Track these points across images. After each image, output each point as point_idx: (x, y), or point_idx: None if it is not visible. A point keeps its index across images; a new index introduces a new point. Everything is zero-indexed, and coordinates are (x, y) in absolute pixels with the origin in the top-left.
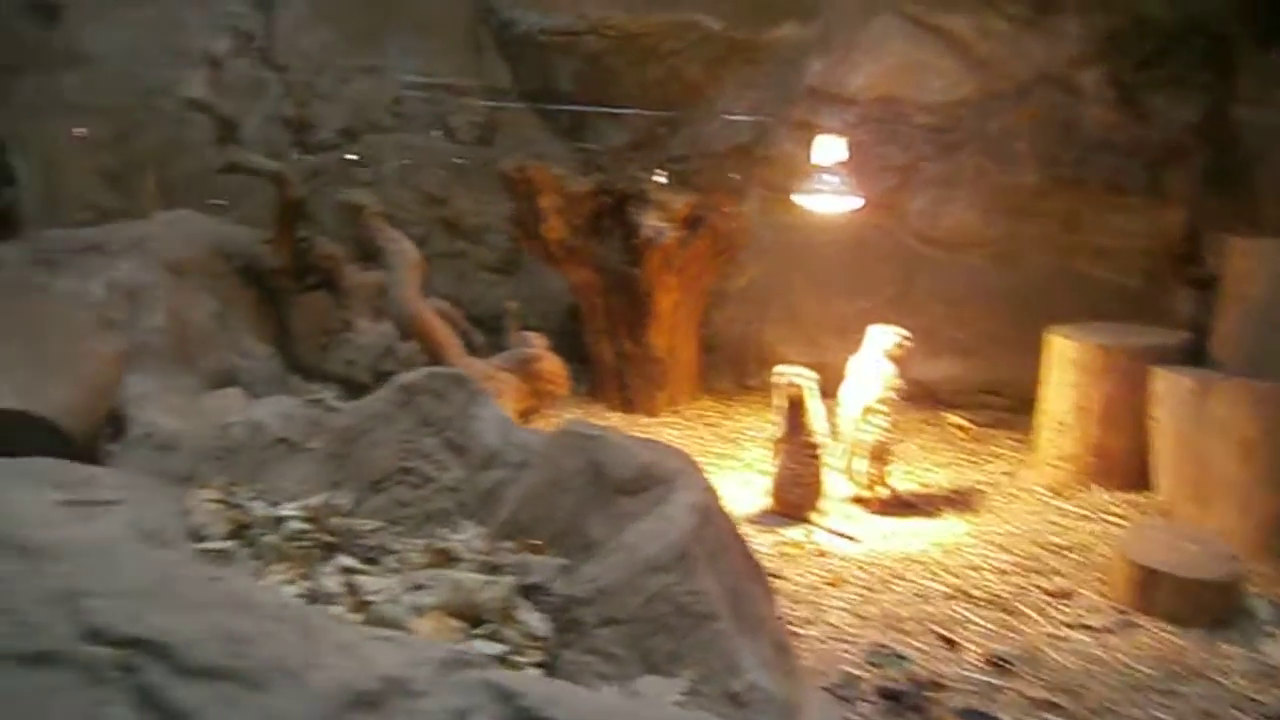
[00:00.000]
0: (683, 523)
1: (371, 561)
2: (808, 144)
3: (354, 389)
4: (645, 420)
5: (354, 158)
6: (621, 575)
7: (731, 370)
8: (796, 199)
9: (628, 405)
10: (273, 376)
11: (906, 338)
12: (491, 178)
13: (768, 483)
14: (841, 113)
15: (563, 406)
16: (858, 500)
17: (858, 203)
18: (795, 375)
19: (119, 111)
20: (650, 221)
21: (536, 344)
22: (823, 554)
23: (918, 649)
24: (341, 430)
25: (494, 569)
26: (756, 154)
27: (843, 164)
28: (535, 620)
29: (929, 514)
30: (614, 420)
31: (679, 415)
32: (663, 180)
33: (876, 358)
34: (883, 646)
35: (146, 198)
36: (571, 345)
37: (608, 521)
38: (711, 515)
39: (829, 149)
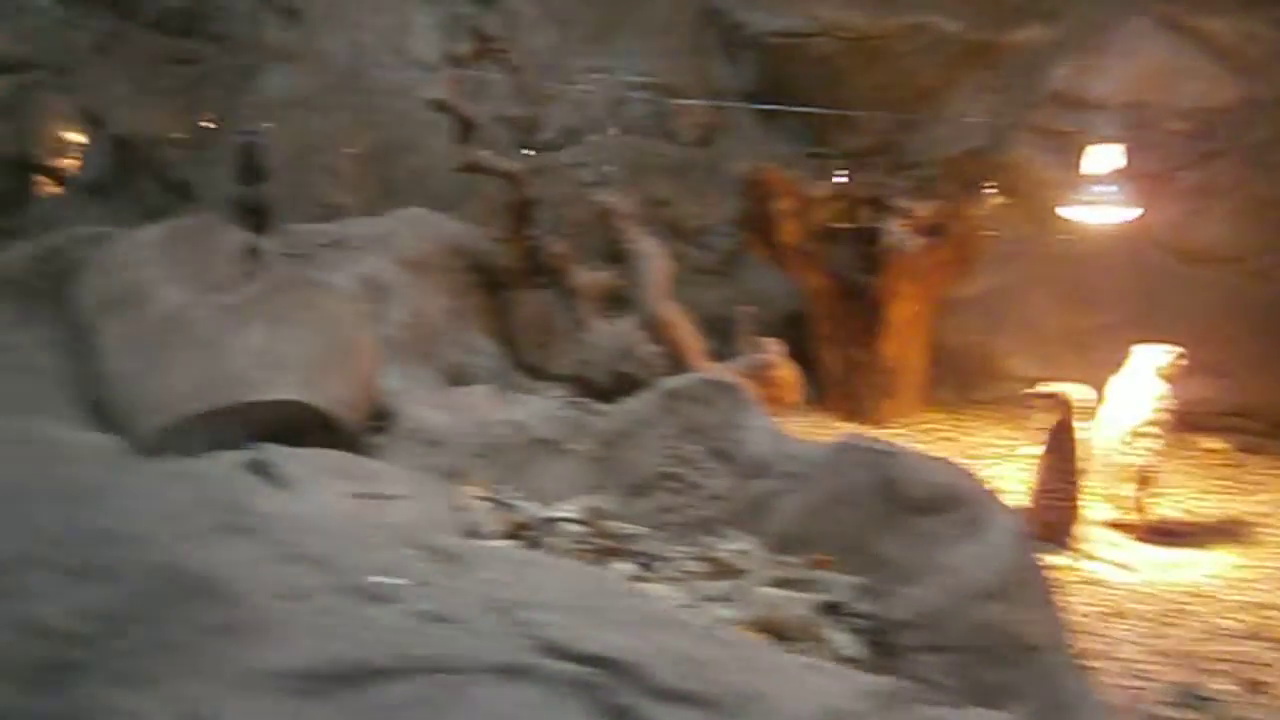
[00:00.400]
0: (1009, 549)
1: (646, 568)
2: (1051, 150)
3: (588, 390)
4: (874, 431)
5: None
6: (946, 600)
7: (956, 382)
8: (1064, 212)
9: (854, 414)
10: (499, 373)
11: (1181, 356)
12: (712, 180)
13: (1021, 502)
14: (1088, 118)
15: (788, 414)
16: (1119, 526)
17: (1134, 213)
18: (1065, 391)
19: (349, 111)
20: (894, 228)
21: (772, 350)
22: (1094, 582)
23: (1221, 691)
24: (604, 433)
25: (785, 583)
26: (992, 159)
27: (1118, 173)
28: (845, 641)
29: (1198, 544)
30: (842, 430)
31: (908, 427)
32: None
33: (1147, 377)
34: (1183, 687)
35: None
36: (791, 351)
37: (904, 541)
38: (1028, 542)
39: (1103, 157)
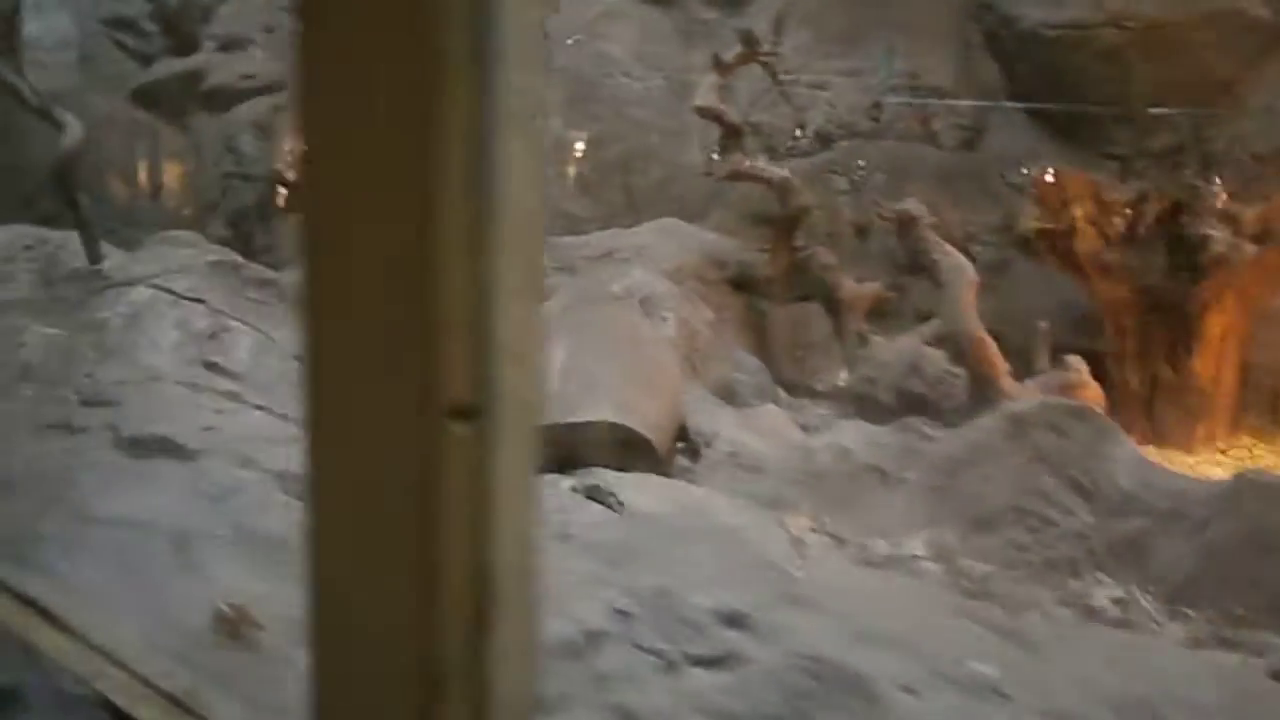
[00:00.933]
0: None
1: (1009, 614)
2: None
3: (869, 408)
4: (1186, 459)
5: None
6: None
7: (1270, 404)
8: None
9: (1157, 438)
10: (763, 389)
11: None
12: (978, 186)
13: None
14: None
15: None
16: None
17: None
18: None
19: (592, 121)
20: (1220, 234)
21: (1078, 369)
22: None
23: None
24: (941, 461)
25: (1199, 643)
26: None
27: None
28: None
29: None
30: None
31: (1224, 454)
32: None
33: None
34: None
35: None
36: None
37: None
38: None
39: None
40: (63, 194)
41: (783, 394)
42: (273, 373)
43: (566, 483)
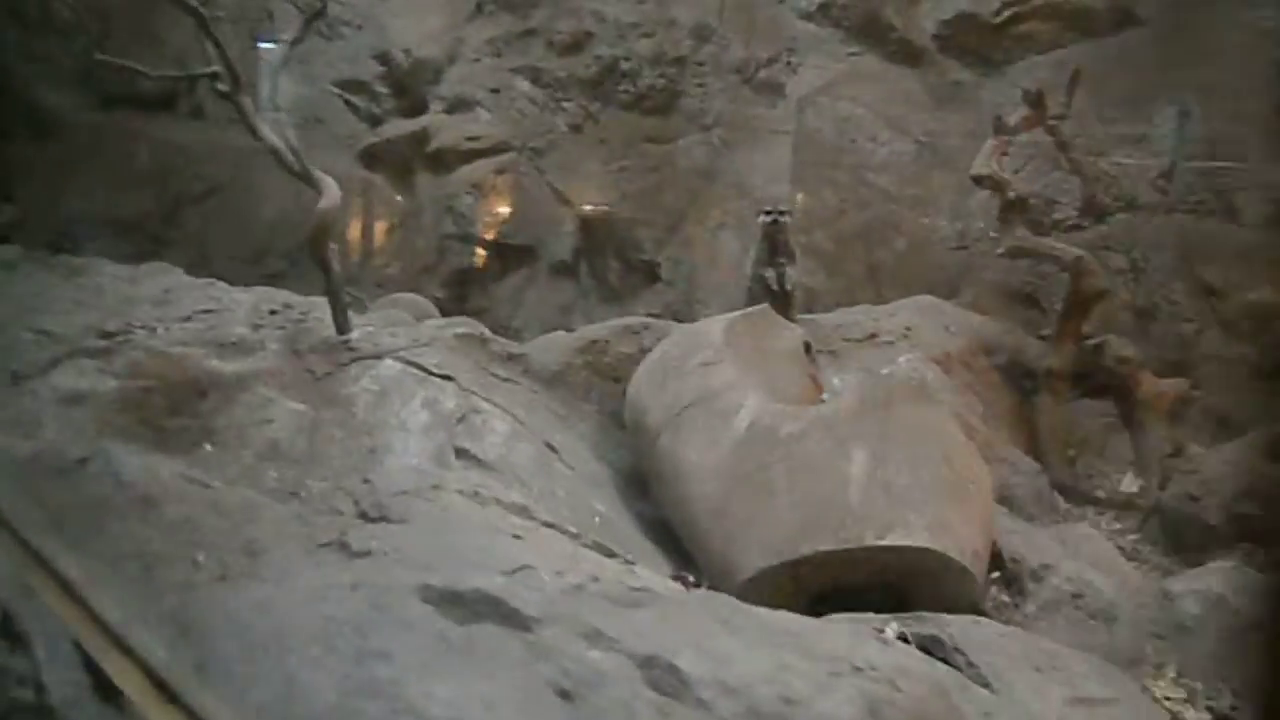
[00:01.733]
0: None
1: None
2: None
3: (1190, 532)
4: None
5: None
6: None
7: None
8: None
9: None
10: (1041, 495)
11: None
12: None
13: None
14: None
15: None
16: None
17: None
18: None
19: (834, 188)
20: None
21: None
22: None
23: None
24: None
25: None
26: None
27: None
28: None
29: None
30: None
31: None
32: None
33: None
34: None
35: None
36: None
37: None
38: None
39: None
40: (316, 258)
41: (1061, 502)
42: (528, 463)
43: (891, 628)
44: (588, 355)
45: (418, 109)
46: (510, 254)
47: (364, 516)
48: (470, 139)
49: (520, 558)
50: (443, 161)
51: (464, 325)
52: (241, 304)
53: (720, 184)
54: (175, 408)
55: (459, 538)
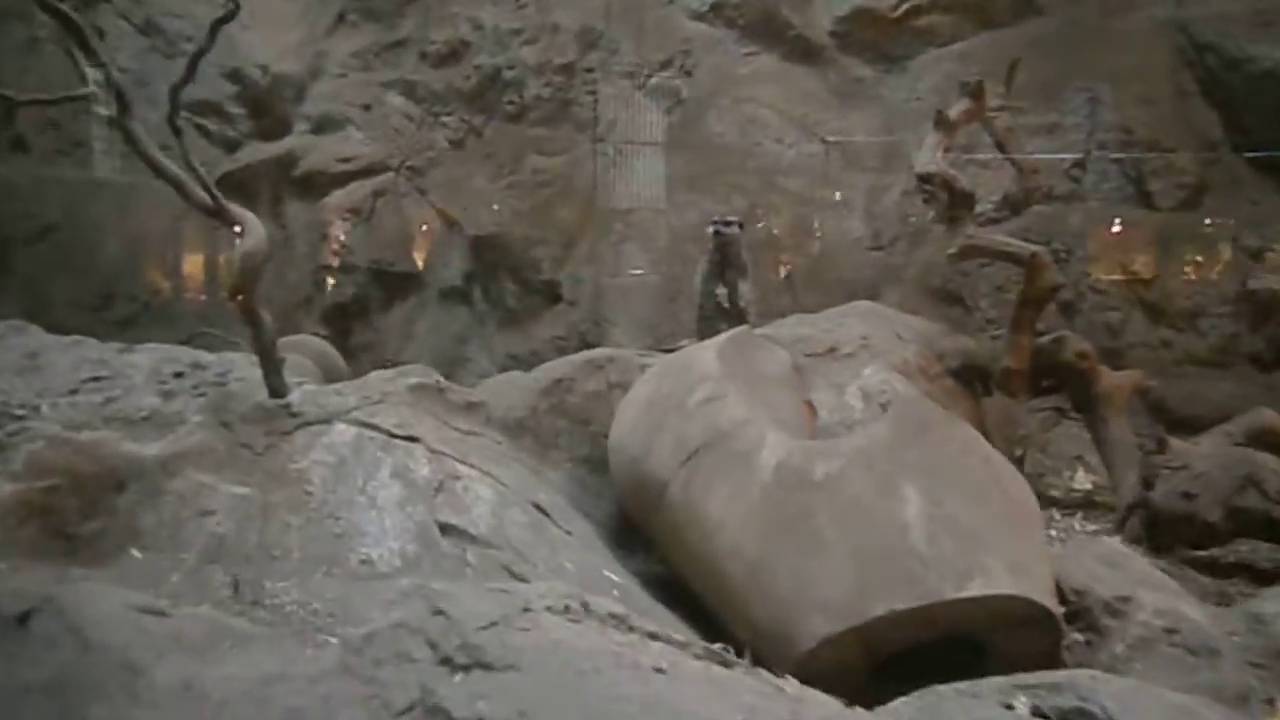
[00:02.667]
0: None
1: None
2: None
3: (1188, 532)
4: None
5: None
6: None
7: None
8: None
9: None
10: None
11: None
12: (1203, 251)
13: None
14: None
15: None
16: None
17: None
18: None
19: (742, 194)
20: None
21: None
22: None
23: None
24: None
25: None
26: None
27: None
28: None
29: None
30: None
31: None
32: None
33: None
34: None
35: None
36: None
37: None
38: None
39: None
40: (242, 309)
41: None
42: (524, 533)
43: (1020, 701)
44: (552, 397)
45: (280, 130)
46: (395, 282)
47: (447, 662)
48: (342, 160)
49: (706, 713)
50: (313, 185)
51: (416, 374)
52: (137, 367)
53: (619, 195)
54: (88, 508)
55: (602, 691)
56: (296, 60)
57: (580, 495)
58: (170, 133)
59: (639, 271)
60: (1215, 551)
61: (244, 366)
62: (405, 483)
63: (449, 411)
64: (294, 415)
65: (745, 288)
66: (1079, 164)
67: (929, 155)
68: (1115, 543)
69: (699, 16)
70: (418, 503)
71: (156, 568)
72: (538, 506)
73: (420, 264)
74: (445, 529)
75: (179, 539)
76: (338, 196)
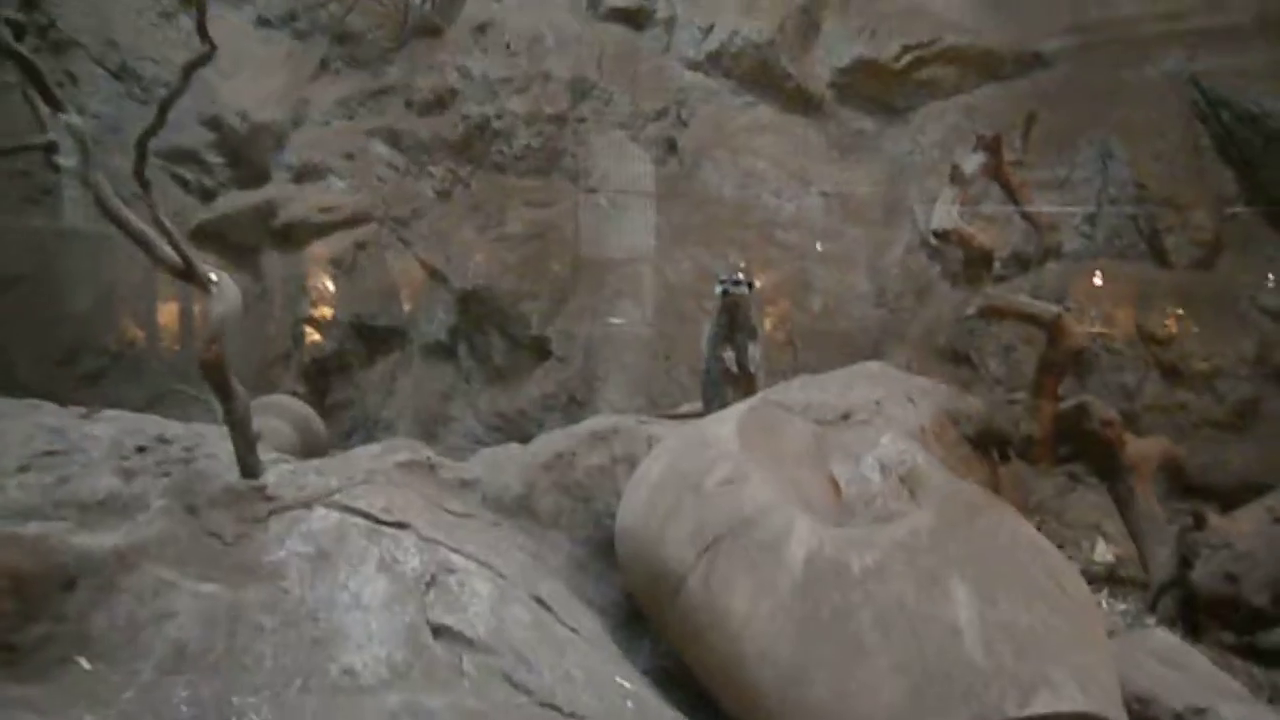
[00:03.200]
0: None
1: None
2: None
3: (1237, 613)
4: None
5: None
6: None
7: None
8: None
9: None
10: None
11: None
12: (1221, 310)
13: None
14: None
15: None
16: None
17: None
18: None
19: (740, 248)
20: None
21: None
22: None
23: None
24: None
25: None
26: None
27: None
28: None
29: None
30: None
31: None
32: None
33: None
34: None
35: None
36: None
37: None
38: None
39: None
40: (212, 380)
41: None
42: (527, 634)
43: None
44: (553, 473)
45: (259, 179)
46: (377, 337)
47: None
48: (324, 210)
49: None
50: (293, 236)
51: (404, 449)
52: (98, 440)
53: (612, 249)
54: (31, 611)
55: None
56: (278, 108)
57: (583, 581)
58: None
59: (619, 321)
60: (1261, 637)
61: (214, 440)
62: (393, 577)
63: (441, 491)
64: (269, 499)
65: (755, 350)
66: (1090, 219)
67: (945, 211)
68: (1172, 638)
69: (695, 66)
70: (407, 601)
71: (107, 682)
72: (540, 601)
73: (404, 318)
74: (438, 631)
75: (135, 646)
76: (319, 247)
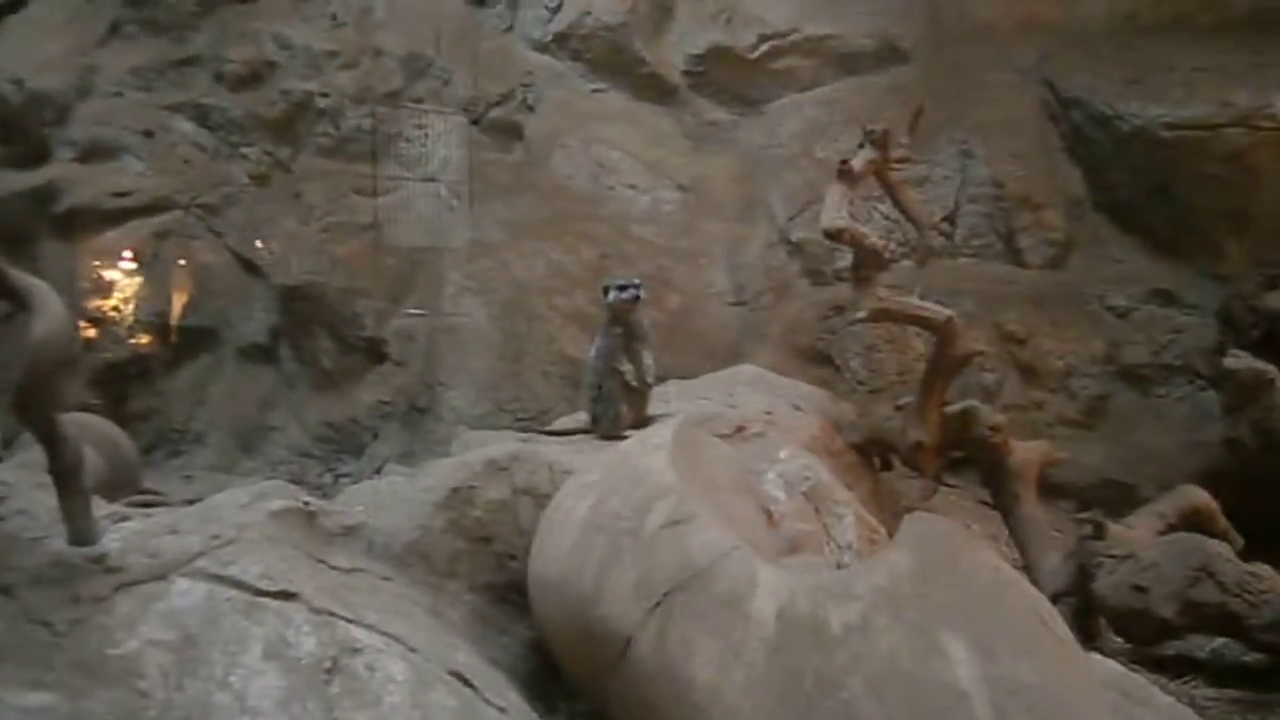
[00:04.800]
0: None
1: None
2: None
3: (1145, 625)
4: None
5: None
6: None
7: None
8: None
9: None
10: None
11: None
12: (1072, 310)
13: None
14: None
15: None
16: None
17: None
18: None
19: (590, 242)
20: None
21: None
22: None
23: None
24: None
25: None
26: None
27: None
28: None
29: None
30: None
31: None
32: None
33: None
34: None
35: None
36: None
37: None
38: None
39: None
40: (30, 420)
41: None
42: None
43: None
44: (449, 511)
45: (37, 157)
46: (184, 338)
47: None
48: (117, 194)
49: None
50: (79, 224)
51: (277, 494)
52: None
53: (454, 242)
54: None
55: None
56: (59, 75)
57: (485, 636)
58: None
59: (419, 312)
60: (1169, 647)
61: (24, 491)
62: (285, 665)
63: (323, 543)
64: (111, 570)
65: (649, 359)
66: (947, 217)
67: (835, 209)
68: (1115, 665)
69: (541, 47)
70: (307, 697)
71: None
72: (460, 676)
73: (216, 317)
74: None
75: None
76: (111, 237)
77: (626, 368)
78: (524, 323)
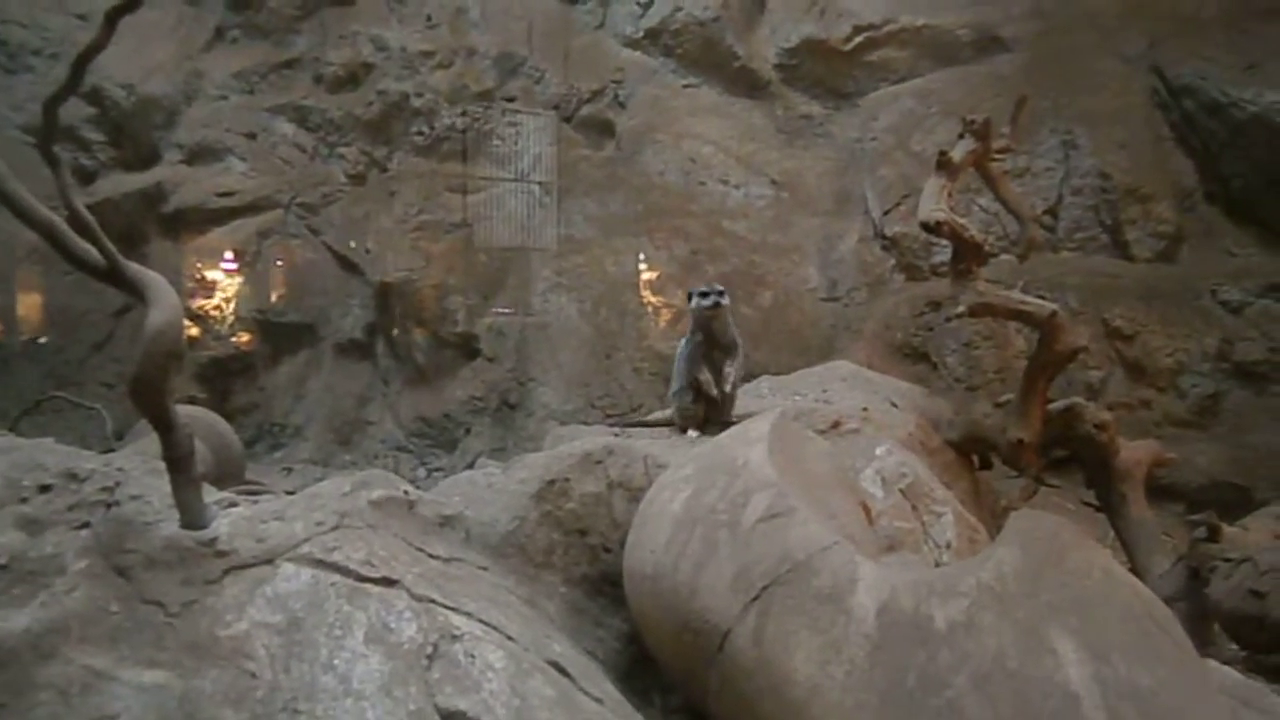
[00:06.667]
0: None
1: None
2: None
3: (1262, 632)
4: None
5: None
6: None
7: None
8: None
9: None
10: None
11: None
12: (1185, 304)
13: None
14: None
15: None
16: None
17: None
18: None
19: (681, 238)
20: None
21: None
22: None
23: None
24: None
25: None
26: None
27: None
28: None
29: None
30: None
31: None
32: None
33: None
34: None
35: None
36: None
37: None
38: None
39: None
40: (147, 407)
41: None
42: (553, 716)
43: None
44: (544, 503)
45: (146, 160)
46: (284, 334)
47: None
48: (222, 195)
49: None
50: (186, 223)
51: (378, 483)
52: None
53: (547, 238)
54: None
55: None
56: (167, 80)
57: (579, 627)
58: (45, 161)
59: (508, 311)
60: None
61: (138, 476)
62: (387, 650)
63: (423, 532)
64: (221, 554)
65: (733, 369)
66: (1051, 210)
67: (933, 201)
68: (1233, 673)
69: (632, 43)
70: (409, 681)
71: None
72: (558, 666)
73: (315, 314)
74: (449, 716)
75: None
76: (216, 236)
77: (705, 376)
78: (615, 319)
